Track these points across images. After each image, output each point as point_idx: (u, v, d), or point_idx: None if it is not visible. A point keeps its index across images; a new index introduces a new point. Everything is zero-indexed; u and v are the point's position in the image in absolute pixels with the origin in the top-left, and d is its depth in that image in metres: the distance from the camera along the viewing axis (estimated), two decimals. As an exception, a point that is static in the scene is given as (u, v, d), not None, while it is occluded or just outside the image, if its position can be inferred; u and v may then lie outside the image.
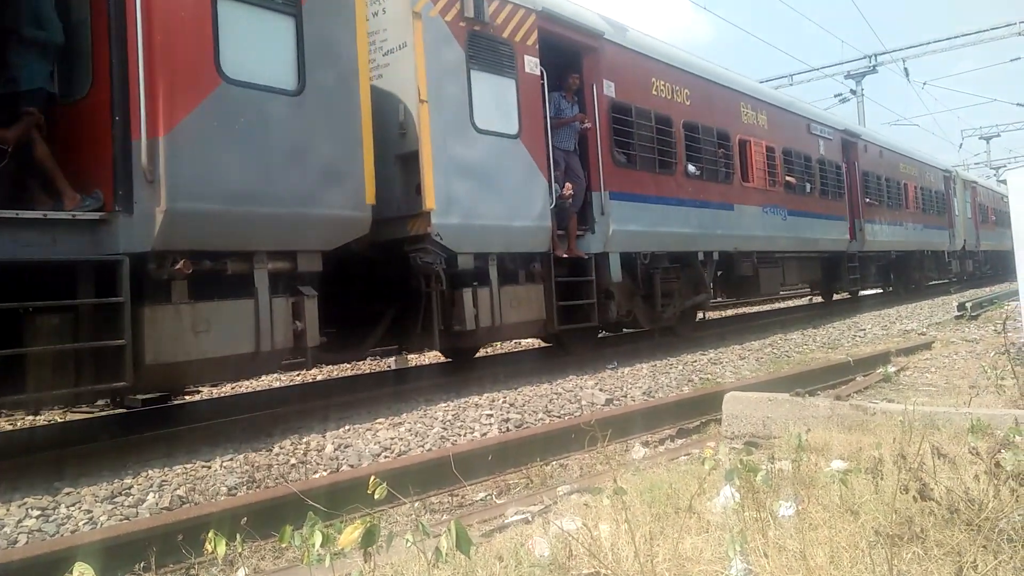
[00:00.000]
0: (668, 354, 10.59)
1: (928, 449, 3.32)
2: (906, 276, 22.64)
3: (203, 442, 6.00)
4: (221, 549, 2.37)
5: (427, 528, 2.34)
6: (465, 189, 7.96)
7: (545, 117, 9.18)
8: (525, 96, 8.85)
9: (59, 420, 7.93)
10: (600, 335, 11.51)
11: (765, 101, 14.73)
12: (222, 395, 9.52)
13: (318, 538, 2.24)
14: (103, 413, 7.85)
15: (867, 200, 18.68)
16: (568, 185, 9.40)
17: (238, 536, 2.58)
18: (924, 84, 38.27)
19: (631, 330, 11.85)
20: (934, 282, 25.84)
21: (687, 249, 11.75)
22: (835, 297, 20.74)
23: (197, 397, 9.32)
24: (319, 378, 10.79)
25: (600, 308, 9.80)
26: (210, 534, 2.42)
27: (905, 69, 32.55)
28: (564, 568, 2.65)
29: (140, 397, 7.89)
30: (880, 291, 22.71)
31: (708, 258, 12.28)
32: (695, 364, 9.65)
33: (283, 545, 2.66)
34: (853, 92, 33.37)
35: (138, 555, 3.41)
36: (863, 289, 20.73)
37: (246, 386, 10.28)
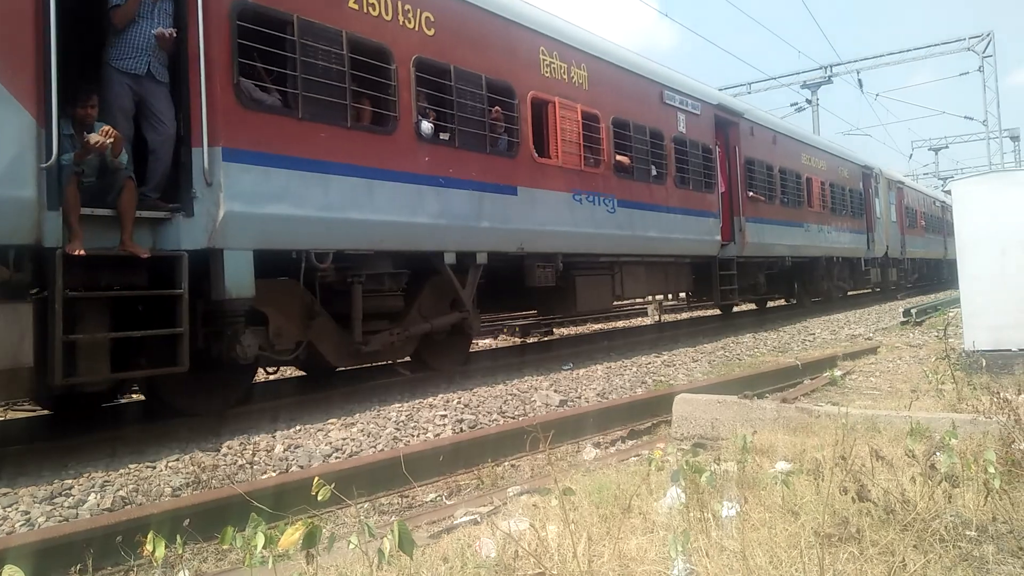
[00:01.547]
0: (623, 356, 10.69)
1: (868, 451, 3.42)
2: (812, 286, 19.64)
3: (149, 442, 5.89)
4: (160, 551, 2.32)
5: (372, 529, 2.32)
6: None
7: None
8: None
9: (-2, 419, 7.68)
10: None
11: (585, 52, 10.73)
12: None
13: (260, 539, 2.22)
14: (46, 413, 7.62)
15: (751, 194, 15.29)
16: (106, 130, 5.42)
17: (178, 538, 2.53)
18: (877, 96, 39.31)
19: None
20: (853, 292, 23.60)
21: (423, 248, 8.06)
22: (735, 309, 18.73)
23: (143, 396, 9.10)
24: (271, 378, 10.63)
25: (220, 340, 6.43)
26: (149, 535, 2.37)
27: (859, 80, 33.53)
28: (510, 569, 2.65)
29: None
30: (754, 306, 19.87)
31: (468, 262, 8.65)
32: (649, 366, 9.76)
33: (224, 547, 2.62)
34: (809, 102, 34.11)
35: (75, 557, 3.31)
36: (745, 301, 17.82)
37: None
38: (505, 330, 15.69)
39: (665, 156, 12.40)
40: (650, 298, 17.12)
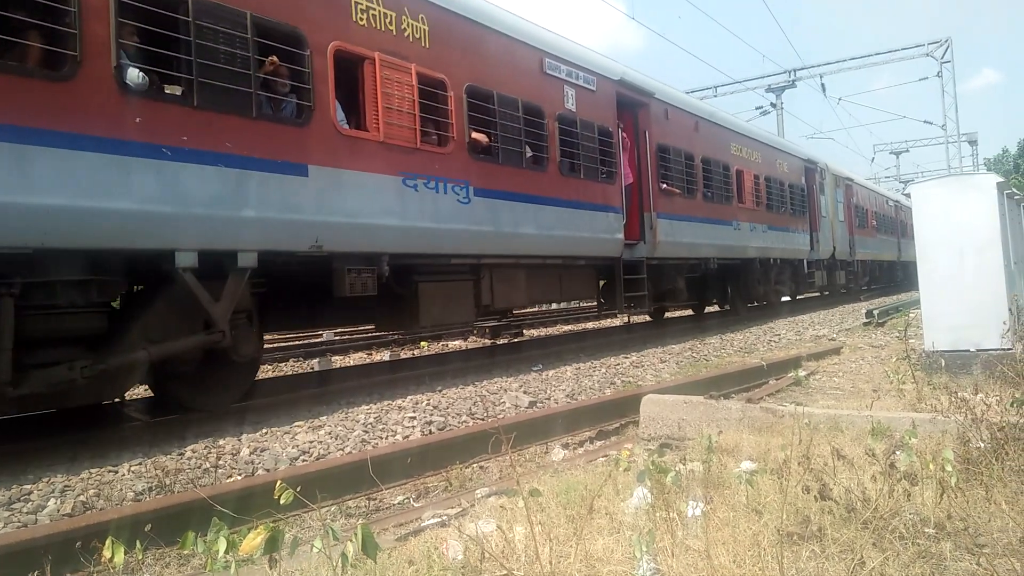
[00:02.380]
0: (592, 357, 10.74)
1: (830, 451, 3.47)
2: (748, 291, 17.57)
3: (111, 447, 5.78)
4: (118, 557, 2.28)
5: (337, 533, 2.30)
6: None
7: None
8: None
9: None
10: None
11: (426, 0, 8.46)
12: (133, 397, 9.15)
13: (222, 544, 2.19)
14: (4, 417, 7.44)
15: (665, 186, 13.09)
16: None
17: (137, 543, 2.48)
18: (840, 100, 40.18)
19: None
20: (802, 296, 22.16)
21: (134, 246, 5.79)
22: (667, 315, 17.35)
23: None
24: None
25: None
26: (107, 541, 2.33)
27: (822, 85, 34.12)
28: (476, 571, 2.65)
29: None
30: (665, 311, 17.51)
31: (227, 264, 6.43)
32: (618, 367, 9.82)
33: (185, 551, 2.58)
34: (774, 105, 34.60)
35: (34, 564, 3.24)
36: (662, 308, 16.29)
37: (160, 387, 9.91)
38: (475, 332, 15.70)
39: (546, 138, 10.11)
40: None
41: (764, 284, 18.02)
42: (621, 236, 11.66)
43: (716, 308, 18.52)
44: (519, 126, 9.65)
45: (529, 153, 9.95)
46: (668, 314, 17.76)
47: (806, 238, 20.43)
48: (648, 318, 16.87)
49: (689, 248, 13.98)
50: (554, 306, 21.95)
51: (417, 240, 8.09)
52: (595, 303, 13.94)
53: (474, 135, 8.92)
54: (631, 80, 12.54)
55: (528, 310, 19.59)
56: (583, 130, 10.96)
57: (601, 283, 12.68)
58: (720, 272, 15.88)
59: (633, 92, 12.52)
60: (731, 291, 17.55)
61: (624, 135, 12.22)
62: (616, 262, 11.87)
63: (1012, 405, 3.79)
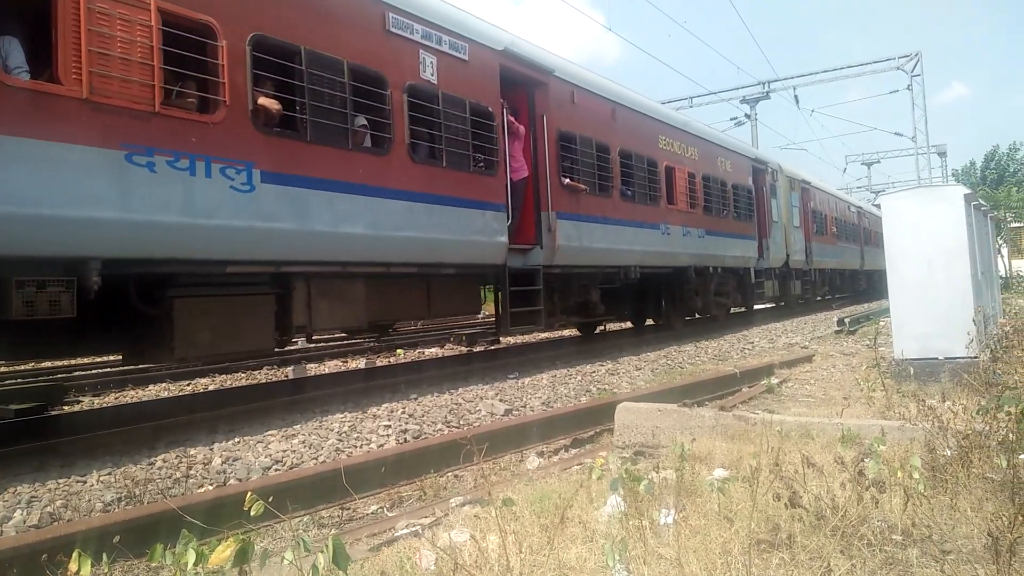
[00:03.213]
0: (568, 364, 10.77)
1: (800, 458, 3.51)
2: (683, 304, 15.69)
3: (79, 455, 5.70)
4: (85, 570, 2.24)
5: (308, 544, 2.28)
6: None
7: None
8: None
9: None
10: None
11: None
12: (104, 405, 9.03)
13: (191, 556, 2.16)
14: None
15: (568, 181, 11.04)
16: None
17: (104, 556, 2.45)
18: (812, 111, 40.82)
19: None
20: (764, 305, 20.55)
21: None
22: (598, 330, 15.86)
23: (76, 408, 8.80)
24: (210, 387, 10.39)
25: None
26: (74, 553, 2.29)
27: (795, 96, 34.61)
28: (449, 581, 2.65)
29: (13, 407, 7.41)
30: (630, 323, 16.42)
31: None
32: (594, 375, 9.85)
33: (153, 564, 2.54)
34: (748, 116, 35.01)
35: (-3, 578, 3.19)
36: (563, 326, 14.64)
37: (130, 395, 9.79)
38: (452, 339, 15.67)
39: (388, 113, 8.03)
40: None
41: (703, 295, 16.07)
42: (505, 239, 9.63)
43: (653, 322, 16.50)
44: (343, 95, 7.49)
45: (361, 132, 7.83)
46: (612, 327, 16.67)
47: (753, 245, 18.59)
48: (578, 332, 15.85)
49: (602, 255, 11.95)
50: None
51: (156, 240, 5.93)
52: (490, 318, 11.56)
53: (261, 101, 6.76)
54: (520, 53, 10.28)
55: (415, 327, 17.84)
56: (448, 107, 8.84)
57: (493, 295, 10.91)
58: (647, 282, 14.13)
59: (525, 67, 10.36)
60: (665, 303, 15.66)
61: (515, 120, 10.26)
62: (502, 271, 9.80)
63: (977, 413, 3.86)
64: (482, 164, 9.57)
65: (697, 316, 16.70)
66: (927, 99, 36.11)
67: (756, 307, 20.21)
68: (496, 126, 9.65)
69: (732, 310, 19.06)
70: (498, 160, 9.67)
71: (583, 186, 11.34)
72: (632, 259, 12.82)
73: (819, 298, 25.93)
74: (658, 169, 14.02)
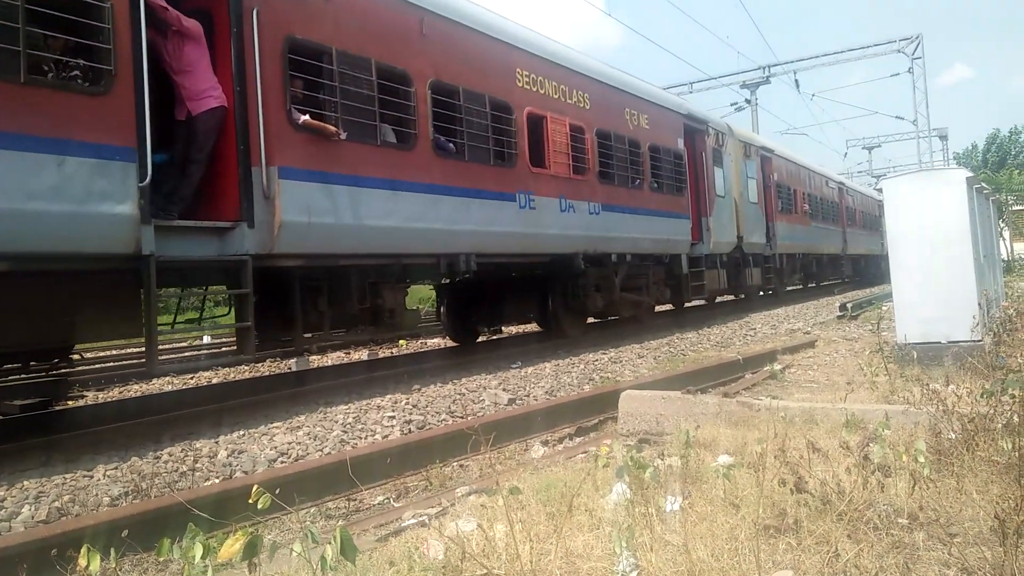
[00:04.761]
0: (571, 353, 10.77)
1: (805, 444, 3.52)
2: (572, 302, 12.04)
3: (85, 450, 5.71)
4: (95, 565, 2.26)
5: (316, 536, 2.29)
6: None
7: None
8: None
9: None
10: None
11: None
12: (108, 400, 9.05)
13: (199, 550, 2.17)
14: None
15: (304, 119, 7.06)
16: None
17: (112, 551, 2.46)
18: (813, 96, 40.56)
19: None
20: (693, 304, 16.64)
21: None
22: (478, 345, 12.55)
23: (81, 403, 8.82)
24: (214, 381, 10.41)
25: None
26: (83, 548, 2.30)
27: (796, 81, 34.46)
28: (457, 570, 2.66)
29: (18, 403, 7.42)
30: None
31: None
32: (596, 363, 9.86)
33: (162, 558, 2.56)
34: (748, 101, 34.89)
35: (8, 572, 3.20)
36: (476, 331, 12.50)
37: (135, 390, 9.82)
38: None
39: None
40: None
41: (605, 291, 12.34)
42: (133, 211, 5.55)
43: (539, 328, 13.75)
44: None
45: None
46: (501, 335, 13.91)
47: (686, 225, 14.64)
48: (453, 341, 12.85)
49: (390, 236, 8.07)
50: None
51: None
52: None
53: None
54: None
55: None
56: None
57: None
58: (537, 276, 11.43)
59: None
60: (552, 303, 12.09)
61: (183, 18, 6.26)
62: (139, 264, 5.71)
63: (982, 396, 3.86)
64: (74, 77, 5.45)
65: (596, 320, 13.59)
66: (928, 82, 35.93)
67: (690, 304, 16.33)
68: (109, 17, 5.42)
69: (657, 308, 15.52)
70: (114, 71, 5.46)
71: (344, 130, 7.42)
72: (466, 244, 9.18)
73: (789, 288, 22.60)
74: (514, 116, 10.04)
